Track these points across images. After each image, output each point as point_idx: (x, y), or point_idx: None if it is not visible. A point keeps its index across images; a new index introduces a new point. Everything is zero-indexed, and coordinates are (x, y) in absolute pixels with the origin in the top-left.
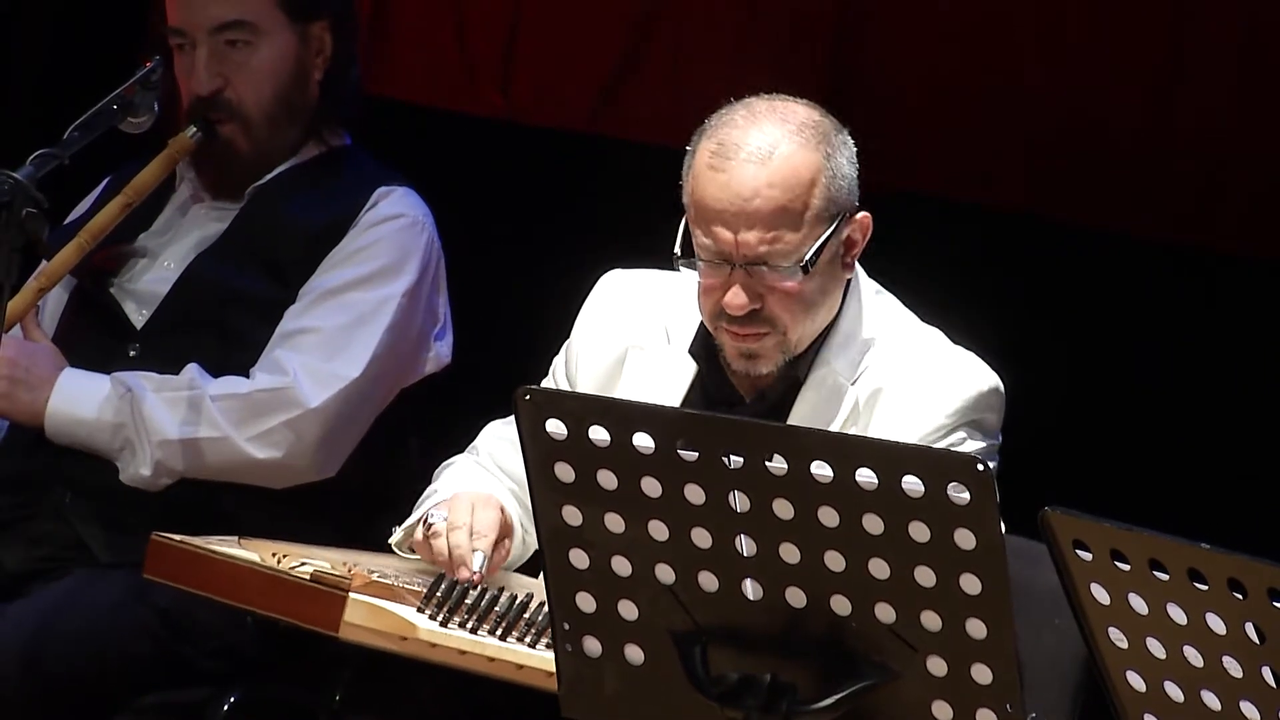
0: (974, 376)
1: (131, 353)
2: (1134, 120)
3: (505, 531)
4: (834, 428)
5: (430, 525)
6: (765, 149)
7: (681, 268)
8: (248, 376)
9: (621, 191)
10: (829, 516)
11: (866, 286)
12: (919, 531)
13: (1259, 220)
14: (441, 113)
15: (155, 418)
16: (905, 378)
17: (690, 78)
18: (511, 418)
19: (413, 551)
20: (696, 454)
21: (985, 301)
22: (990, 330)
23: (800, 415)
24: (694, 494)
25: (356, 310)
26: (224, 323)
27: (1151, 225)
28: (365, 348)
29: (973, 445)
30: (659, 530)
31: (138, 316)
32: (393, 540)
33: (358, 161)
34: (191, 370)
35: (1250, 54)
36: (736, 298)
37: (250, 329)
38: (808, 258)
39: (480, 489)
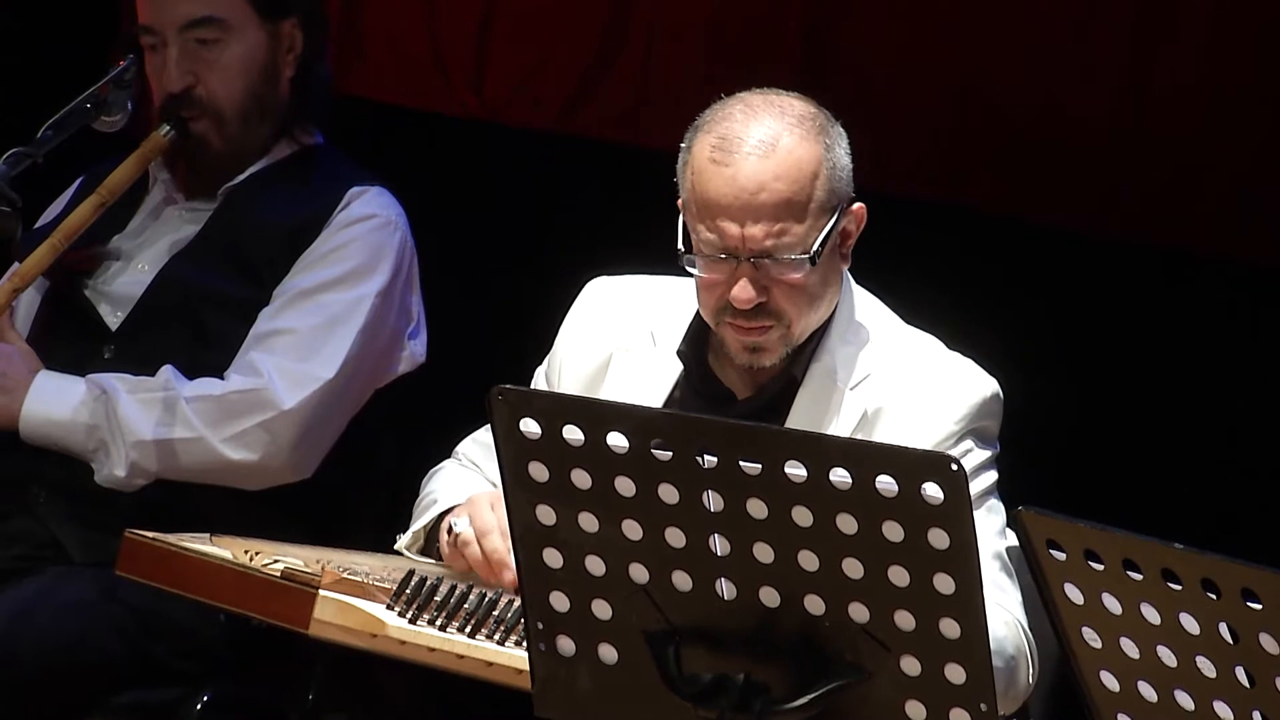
0: (976, 384)
1: (106, 354)
2: (1100, 120)
3: None
4: (830, 430)
5: (457, 534)
6: (768, 142)
7: (687, 266)
8: (222, 378)
9: (595, 191)
10: (803, 516)
11: (851, 282)
12: (893, 531)
13: (1235, 223)
14: (414, 112)
15: (130, 419)
16: (909, 387)
17: (663, 78)
18: (488, 426)
19: (425, 555)
20: (670, 454)
21: (950, 301)
22: (955, 329)
23: (798, 416)
24: (668, 494)
25: (330, 311)
26: (198, 324)
27: (1127, 226)
28: (339, 348)
29: (979, 455)
30: (633, 530)
31: (112, 318)
32: (400, 545)
33: (331, 160)
34: (166, 372)
35: (1223, 53)
36: (744, 291)
37: (225, 330)
38: (814, 249)
39: (490, 488)
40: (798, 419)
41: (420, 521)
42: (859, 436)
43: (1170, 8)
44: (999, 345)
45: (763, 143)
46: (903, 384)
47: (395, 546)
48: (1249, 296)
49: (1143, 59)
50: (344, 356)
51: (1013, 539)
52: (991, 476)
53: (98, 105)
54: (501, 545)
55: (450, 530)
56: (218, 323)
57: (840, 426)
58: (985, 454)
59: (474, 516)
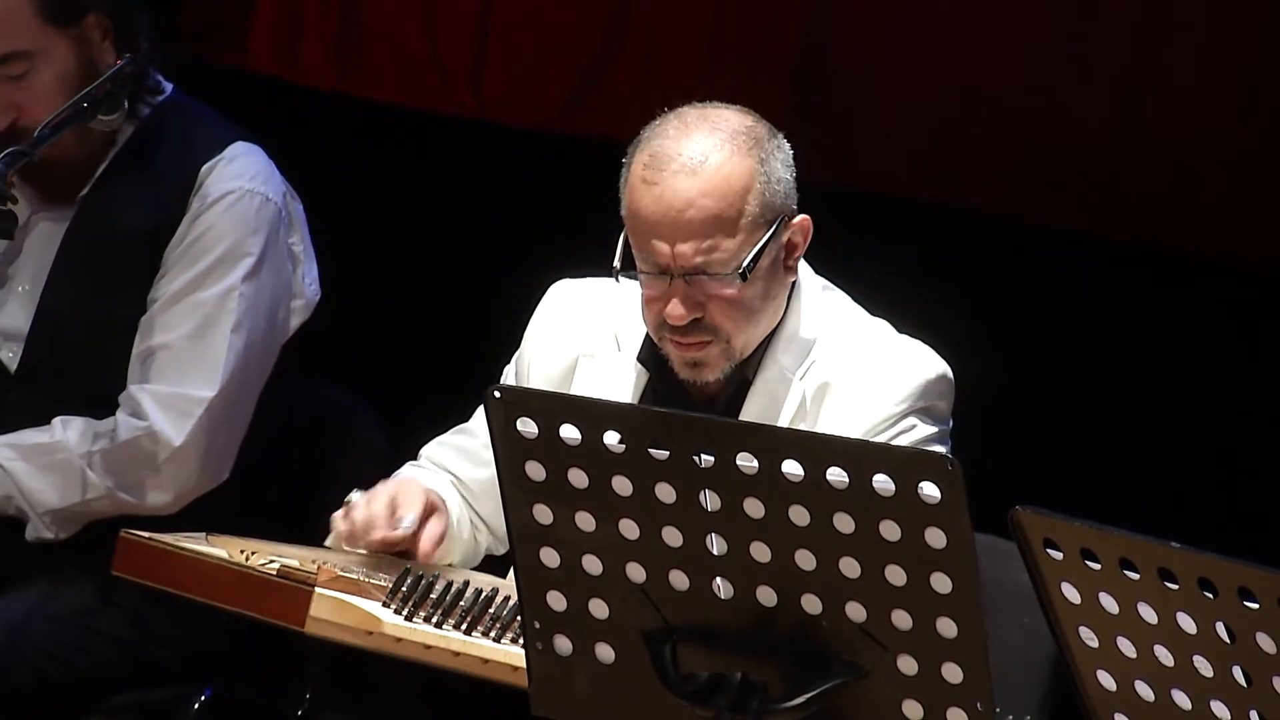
0: (921, 363)
1: (12, 396)
2: (1099, 121)
3: (431, 509)
4: (782, 424)
5: (348, 502)
6: (697, 159)
7: (622, 280)
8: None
9: (593, 190)
10: (800, 515)
11: (813, 284)
12: (890, 530)
13: (1234, 223)
14: (412, 112)
15: (34, 492)
16: (852, 369)
17: (661, 76)
18: (457, 429)
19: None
20: (667, 453)
21: (951, 301)
22: (955, 328)
23: (750, 416)
24: (665, 493)
25: (199, 314)
26: (92, 353)
27: (1127, 227)
28: (215, 359)
29: (924, 431)
30: (630, 529)
31: (8, 356)
32: (329, 541)
33: (176, 128)
34: (57, 428)
35: (1216, 53)
36: (676, 309)
37: (119, 354)
38: (745, 264)
39: (403, 477)
40: (749, 416)
41: None
42: (803, 418)
43: (1170, 8)
44: (999, 346)
45: (692, 160)
46: (848, 364)
47: (325, 543)
48: (1249, 297)
49: (1142, 59)
50: (221, 368)
51: None
52: (940, 450)
53: (95, 104)
54: (382, 510)
55: (346, 502)
56: (110, 347)
57: (785, 413)
58: (932, 429)
59: (370, 492)
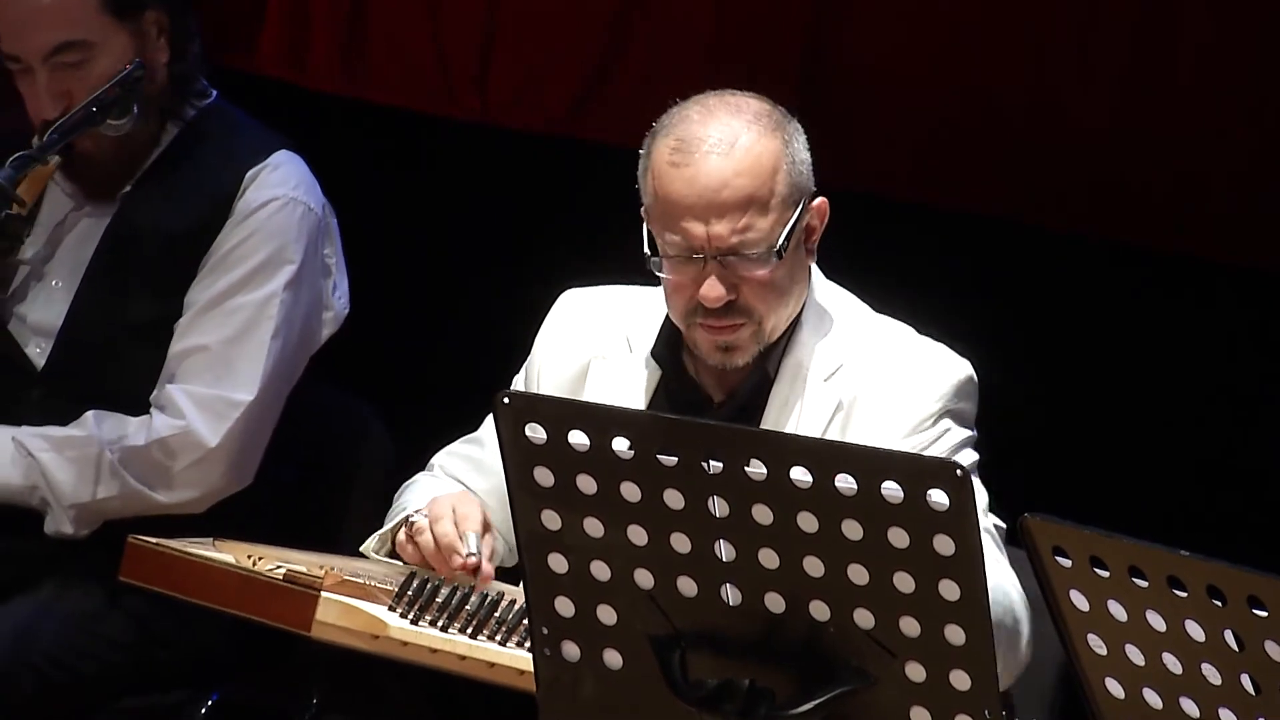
0: (951, 366)
1: (36, 393)
2: (1099, 122)
3: (487, 525)
4: (815, 428)
5: (413, 524)
6: (727, 140)
7: (655, 270)
8: (148, 405)
9: (599, 194)
10: (808, 522)
11: (819, 275)
12: (898, 537)
13: (1235, 225)
14: (418, 115)
15: (62, 482)
16: (883, 374)
17: (665, 79)
18: (466, 439)
19: (393, 556)
20: (676, 459)
21: (951, 302)
22: (955, 330)
23: (774, 413)
24: (673, 499)
25: (240, 318)
26: (125, 356)
27: (1116, 227)
28: (255, 363)
29: (957, 434)
30: (638, 535)
31: (36, 352)
32: (366, 547)
33: (221, 132)
34: (89, 422)
35: (1217, 54)
36: (713, 289)
37: (150, 358)
38: (779, 243)
39: (455, 490)
40: (772, 416)
41: (387, 525)
42: (835, 428)
43: (1171, 8)
44: (999, 348)
45: (721, 141)
46: (877, 372)
47: (360, 549)
48: (1251, 298)
49: (1143, 59)
50: (260, 372)
51: (995, 518)
52: (972, 455)
53: (104, 108)
54: (452, 530)
55: (410, 523)
56: (139, 349)
57: (815, 419)
58: (964, 433)
59: (431, 508)
